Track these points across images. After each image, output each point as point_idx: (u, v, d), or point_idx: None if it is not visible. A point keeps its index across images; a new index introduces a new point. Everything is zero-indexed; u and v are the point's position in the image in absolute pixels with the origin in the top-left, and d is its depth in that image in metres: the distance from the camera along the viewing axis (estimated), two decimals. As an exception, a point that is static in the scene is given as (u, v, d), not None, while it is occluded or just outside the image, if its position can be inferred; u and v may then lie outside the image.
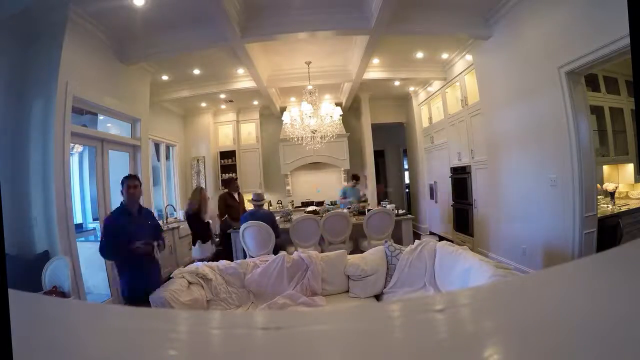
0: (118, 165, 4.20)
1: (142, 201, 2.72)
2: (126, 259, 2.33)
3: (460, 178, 5.47)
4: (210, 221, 4.15)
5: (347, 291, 2.88)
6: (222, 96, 6.35)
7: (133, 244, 2.24)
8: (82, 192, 4.19)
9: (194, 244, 3.93)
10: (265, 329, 0.42)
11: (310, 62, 5.00)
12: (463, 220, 5.53)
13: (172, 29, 3.78)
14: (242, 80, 5.40)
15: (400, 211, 4.66)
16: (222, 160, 7.33)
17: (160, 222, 5.33)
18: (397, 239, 4.49)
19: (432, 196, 6.80)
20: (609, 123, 4.02)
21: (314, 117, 4.85)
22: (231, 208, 4.67)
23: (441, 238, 5.95)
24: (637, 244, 0.50)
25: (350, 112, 7.67)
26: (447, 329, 0.41)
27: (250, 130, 7.53)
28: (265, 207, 5.14)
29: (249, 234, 3.87)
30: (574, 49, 2.91)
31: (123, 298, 2.50)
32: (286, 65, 5.26)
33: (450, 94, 5.72)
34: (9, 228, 2.90)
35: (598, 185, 3.67)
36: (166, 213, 6.01)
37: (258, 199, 4.03)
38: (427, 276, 2.74)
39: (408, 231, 4.60)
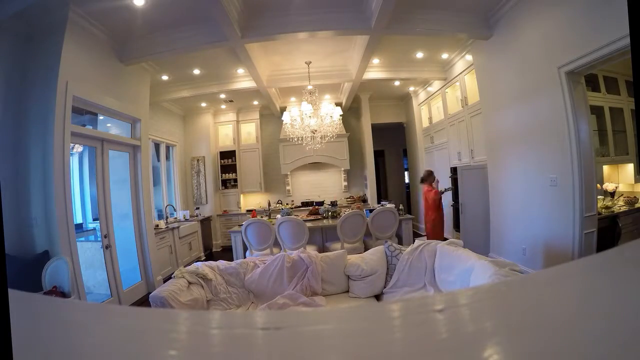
0: (118, 165, 4.21)
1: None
2: None
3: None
4: None
5: (347, 291, 2.88)
6: (222, 96, 6.36)
7: None
8: (82, 192, 4.19)
9: None
10: (265, 329, 0.42)
11: (310, 62, 5.00)
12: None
13: (172, 29, 3.78)
14: (242, 80, 5.41)
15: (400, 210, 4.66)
16: (222, 160, 7.34)
17: (161, 222, 5.34)
18: (397, 238, 4.50)
19: (432, 196, 6.79)
20: (609, 123, 4.02)
21: (314, 117, 4.85)
22: None
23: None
24: (637, 244, 0.50)
25: (350, 112, 7.67)
26: (447, 329, 0.41)
27: (250, 130, 7.54)
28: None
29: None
30: (574, 49, 2.91)
31: None
32: (286, 65, 5.26)
33: (450, 94, 5.72)
34: (9, 228, 2.90)
35: (598, 185, 3.68)
36: (166, 213, 6.01)
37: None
38: (427, 276, 2.74)
39: (408, 231, 4.60)
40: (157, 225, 5.04)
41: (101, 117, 4.06)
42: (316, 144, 5.12)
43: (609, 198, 3.91)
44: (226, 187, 7.36)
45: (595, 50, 2.70)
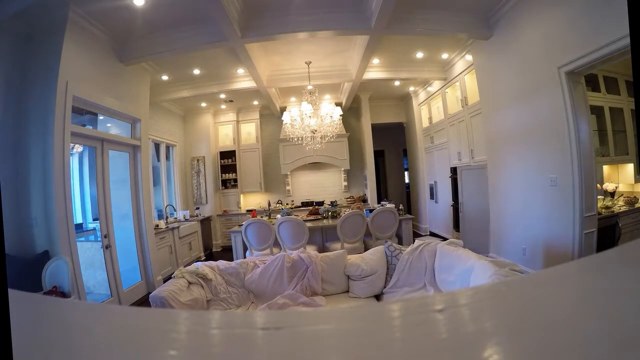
0: (118, 165, 4.21)
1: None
2: None
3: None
4: None
5: (347, 291, 2.88)
6: (222, 96, 6.36)
7: None
8: (82, 192, 4.19)
9: None
10: (265, 329, 0.42)
11: (310, 62, 5.00)
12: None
13: (172, 29, 3.78)
14: (242, 80, 5.41)
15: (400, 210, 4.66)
16: (222, 160, 7.34)
17: (161, 222, 5.34)
18: (397, 238, 4.51)
19: (432, 196, 6.81)
20: (609, 123, 4.02)
21: (314, 117, 4.86)
22: None
23: (441, 238, 5.97)
24: (637, 244, 0.50)
25: (350, 112, 7.67)
26: (447, 329, 0.41)
27: (250, 130, 7.54)
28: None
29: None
30: (574, 49, 2.91)
31: None
32: (286, 65, 5.26)
33: (450, 94, 5.72)
34: (9, 228, 2.90)
35: (598, 185, 3.68)
36: (166, 213, 6.01)
37: None
38: (427, 276, 2.74)
39: (408, 231, 4.60)
40: (157, 225, 5.04)
41: (101, 117, 4.06)
42: (316, 144, 5.12)
43: (609, 198, 3.91)
44: (226, 187, 7.37)
45: (595, 50, 2.70)
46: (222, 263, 2.95)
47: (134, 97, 4.36)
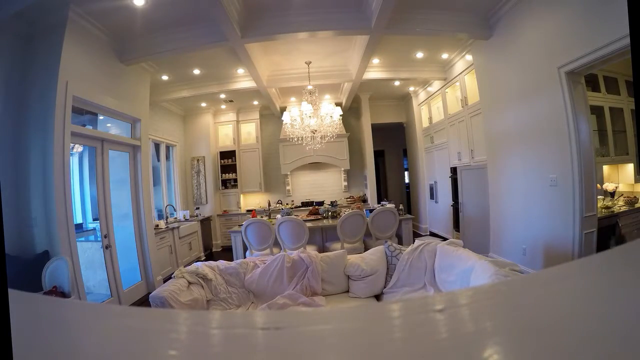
0: (118, 165, 4.21)
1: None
2: None
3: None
4: None
5: (347, 291, 2.88)
6: (222, 96, 6.36)
7: None
8: (82, 192, 4.18)
9: None
10: (265, 329, 0.42)
11: (310, 62, 5.00)
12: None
13: (172, 29, 3.78)
14: (242, 80, 5.41)
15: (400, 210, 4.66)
16: (222, 160, 7.34)
17: (161, 222, 5.34)
18: (397, 238, 4.51)
19: (432, 196, 6.81)
20: (609, 123, 4.02)
21: (314, 117, 4.85)
22: None
23: (441, 238, 5.97)
24: (637, 244, 0.50)
25: (350, 112, 7.67)
26: (447, 329, 0.41)
27: (250, 130, 7.54)
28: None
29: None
30: (574, 49, 2.91)
31: None
32: (286, 65, 5.26)
33: (450, 94, 5.72)
34: (9, 228, 2.90)
35: (598, 185, 3.68)
36: (166, 213, 6.01)
37: None
38: (427, 276, 2.74)
39: (408, 231, 4.60)
40: (157, 225, 5.04)
41: (101, 117, 4.06)
42: (316, 144, 5.12)
43: (609, 198, 3.91)
44: (226, 187, 7.37)
45: (595, 50, 2.70)
46: (222, 263, 2.95)
47: (134, 97, 4.36)
